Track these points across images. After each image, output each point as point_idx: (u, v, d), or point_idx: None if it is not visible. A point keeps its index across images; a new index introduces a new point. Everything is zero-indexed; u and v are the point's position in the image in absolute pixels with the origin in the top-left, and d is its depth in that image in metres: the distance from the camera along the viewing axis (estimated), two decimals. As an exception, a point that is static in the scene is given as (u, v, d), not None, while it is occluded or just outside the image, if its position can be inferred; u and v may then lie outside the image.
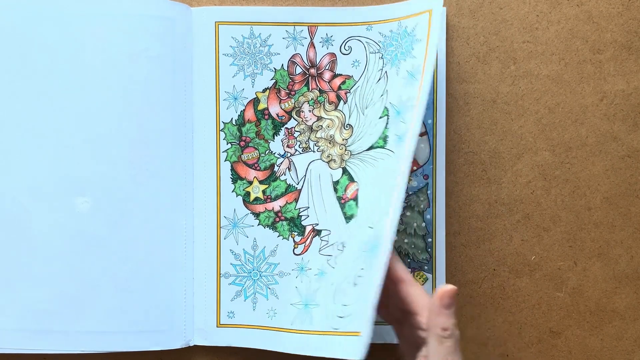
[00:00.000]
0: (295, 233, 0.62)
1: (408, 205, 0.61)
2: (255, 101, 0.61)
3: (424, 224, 0.61)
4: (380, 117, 0.59)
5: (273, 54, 0.61)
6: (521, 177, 0.62)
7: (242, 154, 0.62)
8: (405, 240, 0.61)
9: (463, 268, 0.63)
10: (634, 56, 0.62)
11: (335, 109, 0.61)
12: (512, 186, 0.62)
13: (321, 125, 0.61)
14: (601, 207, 0.62)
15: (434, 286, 0.61)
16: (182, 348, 0.61)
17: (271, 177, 0.62)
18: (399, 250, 0.61)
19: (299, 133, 0.62)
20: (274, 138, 0.62)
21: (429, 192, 0.61)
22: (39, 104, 0.59)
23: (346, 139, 0.61)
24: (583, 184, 0.62)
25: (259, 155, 0.62)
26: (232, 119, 0.61)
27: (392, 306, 0.53)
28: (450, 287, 0.48)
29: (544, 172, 0.62)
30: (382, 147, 0.59)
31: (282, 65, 0.61)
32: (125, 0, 0.59)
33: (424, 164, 0.61)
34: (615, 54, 0.62)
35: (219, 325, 0.61)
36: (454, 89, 0.62)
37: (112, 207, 0.59)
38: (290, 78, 0.61)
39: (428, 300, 0.50)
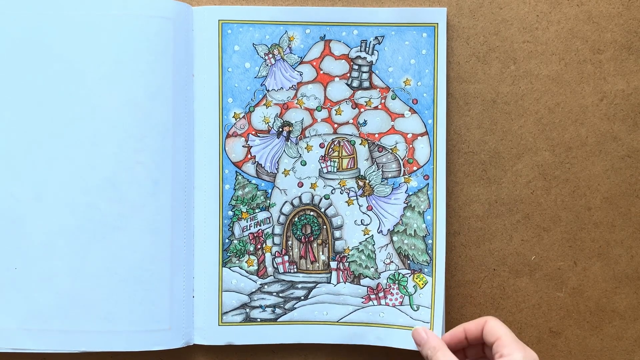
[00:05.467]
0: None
1: (408, 205, 0.61)
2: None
3: (424, 225, 0.61)
4: None
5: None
6: (521, 177, 0.62)
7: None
8: (405, 242, 0.61)
9: (463, 268, 0.63)
10: (634, 56, 0.62)
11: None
12: (512, 186, 0.62)
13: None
14: (601, 207, 0.62)
15: (433, 288, 0.61)
16: (182, 347, 0.61)
17: (272, 176, 0.62)
18: (399, 251, 0.61)
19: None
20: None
21: (429, 192, 0.61)
22: (39, 104, 0.59)
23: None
24: (583, 184, 0.62)
25: (260, 154, 0.62)
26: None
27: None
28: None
29: (544, 172, 0.62)
30: None
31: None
32: (125, 0, 0.59)
33: (425, 164, 0.61)
34: (615, 54, 0.62)
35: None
36: (454, 89, 0.62)
37: (111, 206, 0.59)
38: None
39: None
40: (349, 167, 0.62)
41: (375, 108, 0.62)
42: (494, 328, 0.53)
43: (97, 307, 0.59)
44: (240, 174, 0.62)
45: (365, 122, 0.61)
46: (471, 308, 0.63)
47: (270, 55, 0.61)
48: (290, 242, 0.62)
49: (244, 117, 0.62)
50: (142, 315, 0.60)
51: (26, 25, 0.59)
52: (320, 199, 0.62)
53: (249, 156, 0.62)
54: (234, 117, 0.62)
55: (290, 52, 0.61)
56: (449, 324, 0.62)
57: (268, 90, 0.62)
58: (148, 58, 0.59)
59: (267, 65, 0.61)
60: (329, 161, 0.62)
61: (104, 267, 0.59)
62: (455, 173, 0.62)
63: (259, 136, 0.62)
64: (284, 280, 0.62)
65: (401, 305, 0.61)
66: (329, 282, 0.62)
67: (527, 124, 0.62)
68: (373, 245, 0.62)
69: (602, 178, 0.62)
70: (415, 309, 0.61)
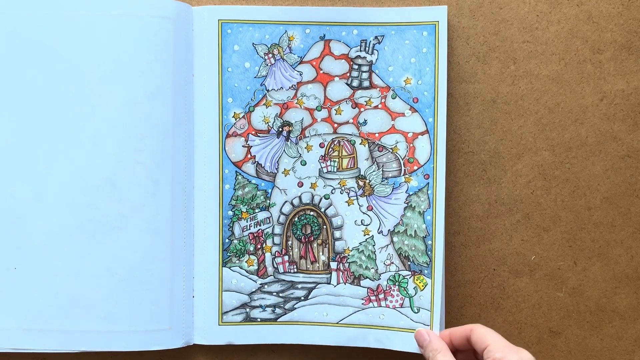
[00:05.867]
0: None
1: (409, 205, 0.61)
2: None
3: (424, 226, 0.61)
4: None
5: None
6: (521, 177, 0.62)
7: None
8: (406, 242, 0.61)
9: (463, 268, 0.63)
10: (634, 56, 0.62)
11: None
12: (512, 186, 0.62)
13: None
14: (601, 207, 0.62)
15: (432, 290, 0.61)
16: (182, 347, 0.61)
17: (272, 176, 0.62)
18: (399, 252, 0.61)
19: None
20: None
21: (429, 192, 0.61)
22: (39, 104, 0.59)
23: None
24: (583, 184, 0.62)
25: (260, 154, 0.62)
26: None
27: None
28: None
29: (544, 172, 0.62)
30: None
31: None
32: (126, 0, 0.59)
33: (425, 164, 0.61)
34: (615, 54, 0.62)
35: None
36: (454, 89, 0.62)
37: (111, 206, 0.59)
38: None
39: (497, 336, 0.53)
40: (349, 166, 0.62)
41: (376, 107, 0.61)
42: (483, 335, 0.53)
43: (97, 307, 0.59)
44: (240, 174, 0.62)
45: (365, 122, 0.61)
46: (471, 308, 0.63)
47: (270, 55, 0.61)
48: (290, 242, 0.62)
49: (243, 117, 0.62)
50: (142, 315, 0.60)
51: (26, 25, 0.59)
52: (320, 199, 0.62)
53: (249, 156, 0.62)
54: (233, 117, 0.61)
55: (290, 52, 0.61)
56: (448, 324, 0.62)
57: (268, 90, 0.62)
58: (148, 58, 0.59)
59: (267, 65, 0.61)
60: (329, 161, 0.62)
61: (104, 267, 0.59)
62: (455, 173, 0.62)
63: (258, 136, 0.62)
64: (284, 280, 0.62)
65: (401, 307, 0.61)
66: (329, 283, 0.62)
67: (527, 124, 0.62)
68: (373, 245, 0.61)
69: (602, 178, 0.62)
70: (416, 311, 0.60)
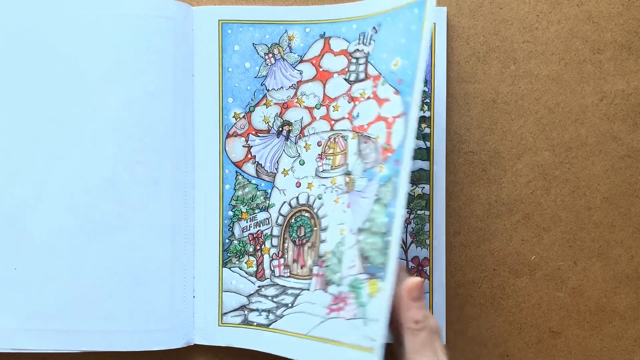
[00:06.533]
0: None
1: (377, 198, 0.53)
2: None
3: (386, 219, 0.51)
4: None
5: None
6: (521, 177, 0.62)
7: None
8: (368, 240, 0.53)
9: (463, 268, 0.63)
10: (634, 56, 0.62)
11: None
12: (512, 186, 0.62)
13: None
14: (601, 207, 0.62)
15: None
16: (182, 348, 0.61)
17: (272, 175, 0.62)
18: (361, 252, 0.53)
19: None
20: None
21: (396, 180, 0.51)
22: (39, 104, 0.59)
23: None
24: (583, 184, 0.62)
25: (262, 154, 0.62)
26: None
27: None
28: (417, 279, 0.49)
29: (544, 172, 0.62)
30: None
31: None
32: (126, 0, 0.59)
33: (397, 149, 0.52)
34: (615, 54, 0.62)
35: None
36: (454, 89, 0.62)
37: (111, 206, 0.59)
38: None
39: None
40: (340, 163, 0.60)
41: (368, 98, 0.59)
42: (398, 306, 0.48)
43: (97, 307, 0.59)
44: (240, 174, 0.62)
45: (358, 115, 0.59)
46: (471, 308, 0.63)
47: (270, 55, 0.61)
48: (286, 245, 0.61)
49: (244, 117, 0.62)
50: (142, 315, 0.60)
51: (26, 25, 0.59)
52: (315, 199, 0.61)
53: (249, 156, 0.62)
54: (234, 117, 0.62)
55: (290, 51, 0.61)
56: (449, 324, 0.62)
57: (268, 90, 0.62)
58: (148, 58, 0.59)
59: (267, 64, 0.61)
60: (324, 159, 0.61)
61: (104, 267, 0.59)
62: (455, 173, 0.62)
63: (259, 136, 0.62)
64: (278, 284, 0.61)
65: (355, 318, 0.52)
66: (309, 289, 0.59)
67: (527, 124, 0.62)
68: (344, 246, 0.56)
69: (602, 178, 0.62)
70: (365, 323, 0.50)
